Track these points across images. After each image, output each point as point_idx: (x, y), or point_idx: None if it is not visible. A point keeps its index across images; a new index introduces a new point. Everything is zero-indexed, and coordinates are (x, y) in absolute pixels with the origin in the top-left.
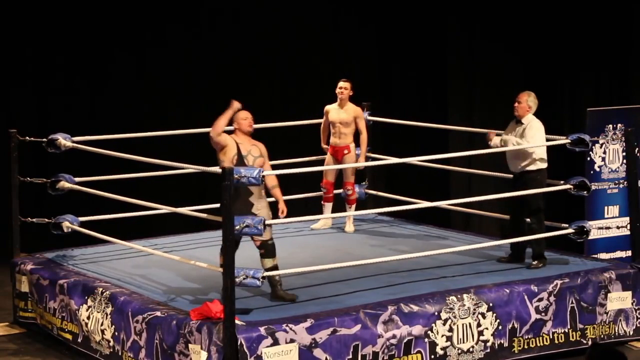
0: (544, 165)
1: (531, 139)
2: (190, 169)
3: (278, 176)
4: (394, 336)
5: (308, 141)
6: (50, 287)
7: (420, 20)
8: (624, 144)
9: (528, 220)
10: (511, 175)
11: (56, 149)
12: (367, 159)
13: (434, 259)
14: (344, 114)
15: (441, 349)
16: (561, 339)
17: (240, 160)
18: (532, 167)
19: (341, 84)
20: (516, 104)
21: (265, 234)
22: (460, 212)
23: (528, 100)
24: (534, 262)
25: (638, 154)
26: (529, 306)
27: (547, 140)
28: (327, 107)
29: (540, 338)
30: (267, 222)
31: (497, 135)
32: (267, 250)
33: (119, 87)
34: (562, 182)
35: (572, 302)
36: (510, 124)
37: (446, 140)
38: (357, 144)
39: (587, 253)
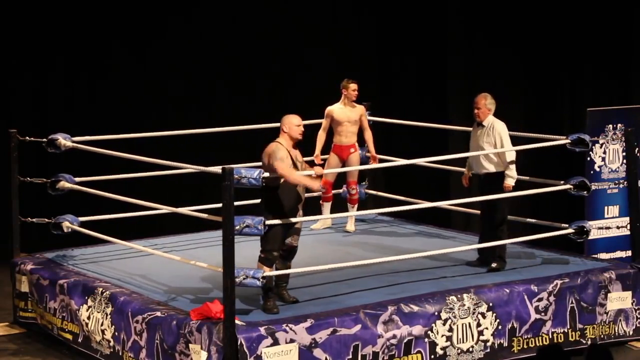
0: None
1: (504, 143)
2: (190, 169)
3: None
4: (394, 336)
5: (308, 141)
6: (50, 287)
7: (420, 20)
8: (624, 144)
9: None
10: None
11: (56, 149)
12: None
13: (434, 259)
14: (350, 113)
15: (441, 349)
16: (561, 339)
17: (294, 168)
18: (498, 169)
19: (354, 85)
20: (476, 110)
21: (296, 240)
22: (460, 212)
23: (487, 104)
24: (493, 265)
25: (638, 154)
26: (528, 306)
27: (547, 140)
28: (330, 108)
29: (540, 338)
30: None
31: (468, 175)
32: (289, 254)
33: (119, 87)
34: (562, 182)
35: (572, 302)
36: (472, 128)
37: (446, 140)
38: (359, 143)
39: (587, 253)
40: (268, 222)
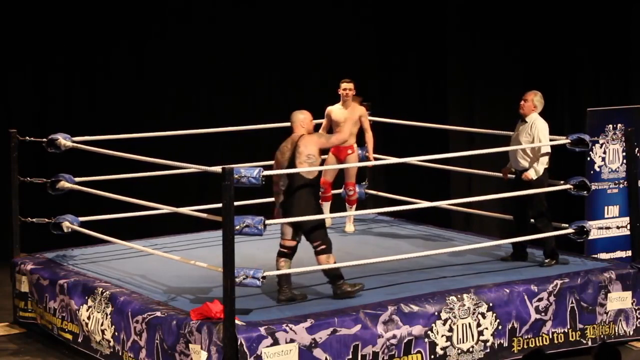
0: (546, 164)
1: (541, 139)
2: (190, 169)
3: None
4: (394, 336)
5: None
6: (50, 287)
7: (420, 20)
8: (624, 144)
9: (532, 220)
10: (513, 176)
11: (56, 149)
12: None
13: (434, 259)
14: (349, 114)
15: (441, 349)
16: (561, 339)
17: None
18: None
19: (345, 85)
20: (522, 102)
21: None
22: (461, 212)
23: (534, 100)
24: (546, 260)
25: (638, 154)
26: (528, 306)
27: (549, 140)
28: (330, 108)
29: (540, 338)
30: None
31: (510, 173)
32: (294, 252)
33: (119, 87)
34: (562, 182)
35: (572, 302)
36: (517, 124)
37: (446, 140)
38: (359, 143)
39: (587, 253)
40: (316, 216)
